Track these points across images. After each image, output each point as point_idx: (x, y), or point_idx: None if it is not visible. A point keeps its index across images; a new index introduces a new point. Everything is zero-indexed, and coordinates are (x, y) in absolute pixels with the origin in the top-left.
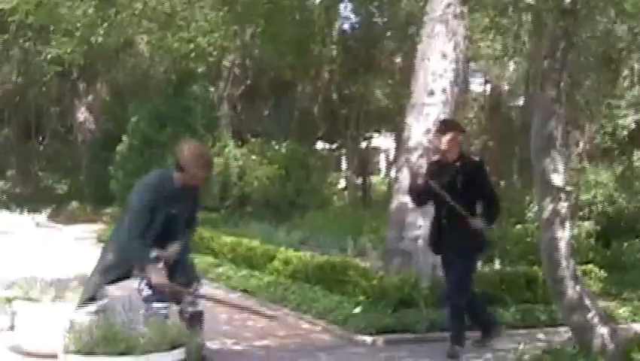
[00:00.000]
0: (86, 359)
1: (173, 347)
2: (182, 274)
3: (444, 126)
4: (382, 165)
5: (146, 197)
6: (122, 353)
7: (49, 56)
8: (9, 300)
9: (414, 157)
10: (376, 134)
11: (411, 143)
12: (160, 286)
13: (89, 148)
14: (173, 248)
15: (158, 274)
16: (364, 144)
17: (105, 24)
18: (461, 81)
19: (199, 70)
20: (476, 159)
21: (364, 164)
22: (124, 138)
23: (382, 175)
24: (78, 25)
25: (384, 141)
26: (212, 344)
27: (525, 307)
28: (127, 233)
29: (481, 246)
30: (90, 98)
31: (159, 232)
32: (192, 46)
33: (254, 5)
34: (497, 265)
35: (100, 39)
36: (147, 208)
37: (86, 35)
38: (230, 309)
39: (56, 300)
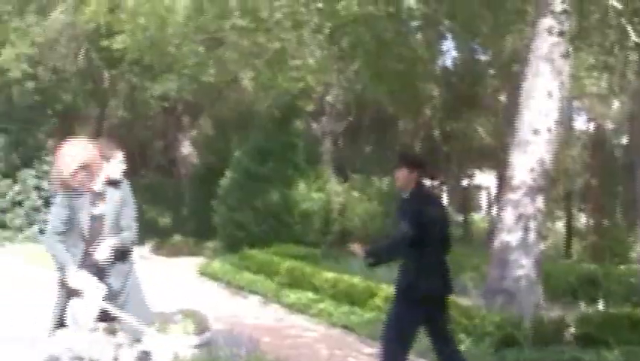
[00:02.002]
0: None
1: None
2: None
3: (398, 161)
4: (484, 202)
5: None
6: None
7: (156, 93)
8: (112, 331)
9: (518, 195)
10: (477, 172)
11: (514, 181)
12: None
13: (192, 182)
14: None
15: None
16: (465, 181)
17: (213, 62)
18: (565, 119)
19: (306, 107)
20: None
21: (465, 201)
22: (227, 172)
23: (482, 213)
24: (189, 63)
25: (485, 179)
26: None
27: (629, 349)
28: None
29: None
30: (194, 132)
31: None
32: (301, 85)
33: (360, 42)
34: (600, 306)
35: (211, 78)
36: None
37: (196, 74)
38: (332, 345)
39: (160, 332)
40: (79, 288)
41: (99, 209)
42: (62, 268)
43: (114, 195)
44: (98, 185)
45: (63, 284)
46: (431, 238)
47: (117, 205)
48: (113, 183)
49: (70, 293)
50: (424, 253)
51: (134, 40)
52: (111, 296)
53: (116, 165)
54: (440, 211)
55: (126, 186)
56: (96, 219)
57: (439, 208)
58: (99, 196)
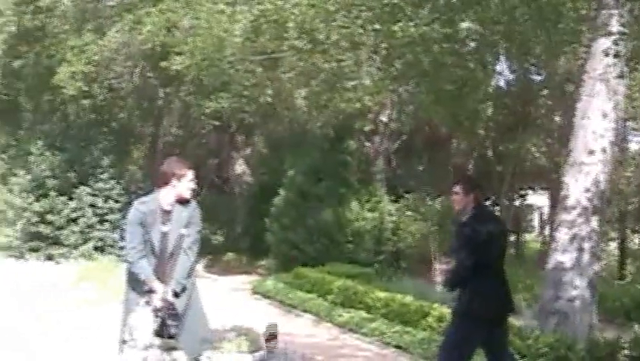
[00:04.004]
0: None
1: None
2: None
3: (454, 184)
4: (536, 222)
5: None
6: None
7: (207, 110)
8: (169, 348)
9: (572, 216)
10: (530, 192)
11: (569, 202)
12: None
13: (245, 200)
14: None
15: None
16: (518, 201)
17: (270, 82)
18: (620, 140)
19: (363, 127)
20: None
21: (518, 221)
22: (280, 190)
23: (535, 233)
24: (246, 84)
25: (538, 199)
26: None
27: None
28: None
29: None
30: (248, 150)
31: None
32: (358, 105)
33: (416, 63)
34: None
35: (268, 98)
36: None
37: (253, 94)
38: None
39: (214, 349)
40: (163, 303)
41: (167, 227)
42: (140, 285)
43: (181, 213)
44: (169, 203)
45: (136, 302)
46: (488, 258)
47: (182, 224)
48: (182, 201)
49: (156, 311)
50: (481, 273)
51: (193, 61)
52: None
53: (186, 183)
54: (499, 230)
55: (194, 206)
56: (165, 236)
57: (498, 227)
58: (168, 214)
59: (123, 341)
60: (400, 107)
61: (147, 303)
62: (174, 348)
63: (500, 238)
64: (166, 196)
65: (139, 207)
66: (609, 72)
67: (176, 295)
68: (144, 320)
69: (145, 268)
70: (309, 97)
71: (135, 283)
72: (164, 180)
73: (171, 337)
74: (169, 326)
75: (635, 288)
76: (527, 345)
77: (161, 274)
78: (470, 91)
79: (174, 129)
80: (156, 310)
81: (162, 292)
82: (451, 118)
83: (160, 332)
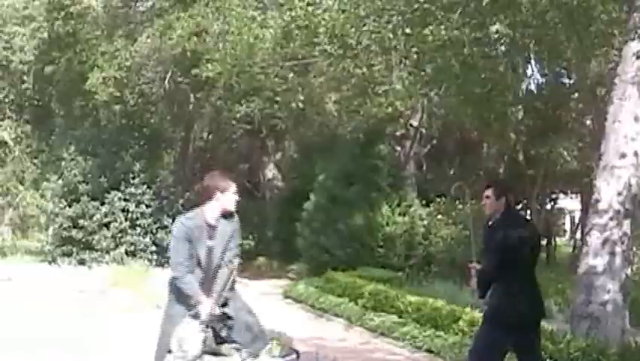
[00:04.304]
0: None
1: None
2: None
3: (486, 187)
4: (567, 226)
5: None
6: None
7: (238, 115)
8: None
9: (604, 220)
10: (561, 196)
11: (601, 205)
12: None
13: (276, 205)
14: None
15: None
16: (549, 205)
17: (300, 88)
18: None
19: (395, 132)
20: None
21: (549, 225)
22: (311, 195)
23: (566, 237)
24: (277, 89)
25: (570, 203)
26: None
27: None
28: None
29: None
30: (278, 155)
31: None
32: (389, 110)
33: (447, 67)
34: None
35: (300, 104)
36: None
37: (285, 100)
38: None
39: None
40: (208, 319)
41: (213, 241)
42: (187, 298)
43: (226, 227)
44: (214, 218)
45: (182, 314)
46: (518, 262)
47: (226, 238)
48: (226, 215)
49: (203, 323)
50: (511, 276)
51: (224, 67)
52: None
53: (231, 196)
54: (529, 233)
55: (236, 220)
56: (211, 251)
57: (528, 230)
58: (213, 229)
59: (169, 351)
60: (431, 111)
61: (195, 316)
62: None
63: (531, 242)
64: (210, 211)
65: (185, 222)
66: None
67: (221, 306)
68: (193, 333)
69: (193, 283)
70: (339, 102)
71: (182, 297)
72: (208, 195)
73: (222, 342)
74: (220, 329)
75: None
76: (559, 349)
77: (207, 288)
78: (499, 94)
79: (205, 134)
80: (203, 323)
81: (209, 305)
82: (480, 121)
83: (209, 342)
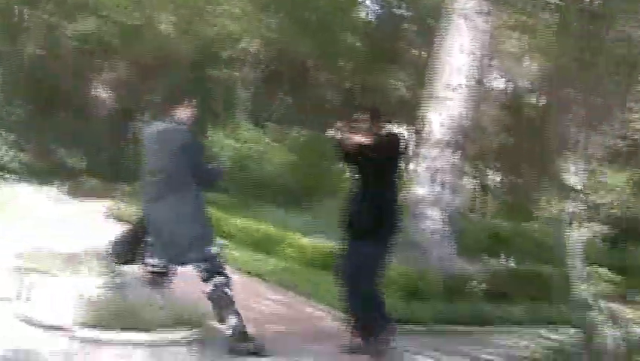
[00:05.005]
0: (100, 333)
1: (187, 327)
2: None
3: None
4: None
5: None
6: (136, 329)
7: (70, 32)
8: (20, 270)
9: (432, 150)
10: (395, 126)
11: (429, 136)
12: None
13: (106, 124)
14: None
15: None
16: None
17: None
18: (482, 77)
19: (223, 53)
20: None
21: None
22: (142, 116)
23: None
24: (108, 4)
25: (403, 132)
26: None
27: (535, 305)
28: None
29: None
30: (110, 74)
31: None
32: (220, 31)
33: None
34: (508, 263)
35: (132, 20)
36: None
37: (113, 16)
38: (242, 292)
39: (70, 273)
40: None
41: None
42: None
43: None
44: None
45: None
46: None
47: None
48: None
49: None
50: None
51: None
52: None
53: None
54: None
55: None
56: None
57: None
58: None
59: None
60: (267, 36)
61: None
62: None
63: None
64: None
65: None
66: (472, 9)
67: None
68: None
69: None
70: (175, 22)
71: None
72: None
73: None
74: None
75: (493, 224)
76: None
77: None
78: (335, 21)
79: (33, 49)
80: None
81: None
82: (315, 48)
83: None
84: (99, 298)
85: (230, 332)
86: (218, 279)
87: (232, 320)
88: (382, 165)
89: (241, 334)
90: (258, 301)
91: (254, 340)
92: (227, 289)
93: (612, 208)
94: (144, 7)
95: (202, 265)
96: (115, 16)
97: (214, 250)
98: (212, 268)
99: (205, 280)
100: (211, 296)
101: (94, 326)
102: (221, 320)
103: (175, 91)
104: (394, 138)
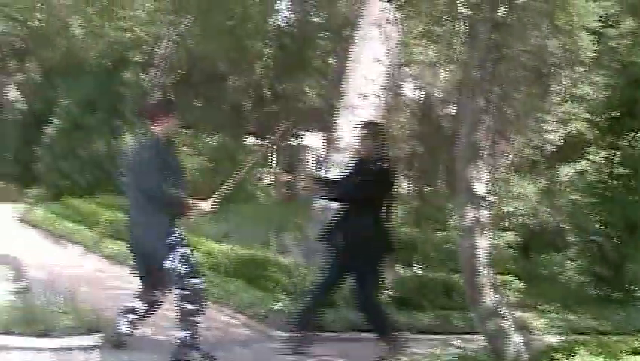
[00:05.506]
0: (3, 338)
1: (90, 332)
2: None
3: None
4: (310, 163)
5: None
6: (39, 335)
7: None
8: None
9: (343, 157)
10: (305, 133)
11: (340, 143)
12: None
13: (17, 127)
14: None
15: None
16: (293, 141)
17: (42, 7)
18: (393, 86)
19: (134, 58)
20: None
21: (292, 161)
22: (53, 119)
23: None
24: (17, 7)
25: (313, 140)
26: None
27: (442, 313)
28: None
29: None
30: (21, 77)
31: None
32: (129, 35)
33: None
34: (416, 270)
35: (38, 23)
36: None
37: (24, 17)
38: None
39: None
40: None
41: None
42: None
43: None
44: None
45: None
46: None
47: None
48: None
49: None
50: None
51: None
52: None
53: None
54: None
55: None
56: None
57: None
58: None
59: None
60: (178, 40)
61: None
62: None
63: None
64: None
65: None
66: (384, 18)
67: None
68: None
69: None
70: (85, 25)
71: None
72: None
73: None
74: None
75: (401, 231)
76: (292, 283)
77: None
78: (245, 27)
79: None
80: None
81: None
82: (225, 53)
83: None
84: (4, 304)
85: (181, 338)
86: (194, 280)
87: (191, 328)
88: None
89: (191, 343)
90: (169, 307)
91: (199, 350)
92: (201, 294)
93: (519, 216)
94: (55, 10)
95: (178, 267)
96: (20, 15)
97: (187, 250)
98: (188, 270)
99: (180, 279)
100: (184, 297)
101: (1, 332)
102: (183, 324)
103: (151, 105)
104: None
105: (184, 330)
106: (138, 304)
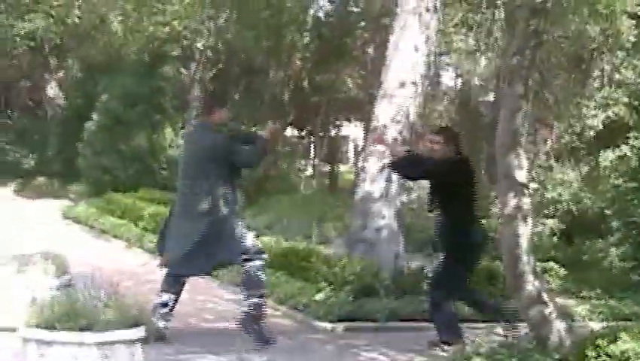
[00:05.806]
0: (47, 333)
1: (133, 325)
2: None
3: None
4: (351, 153)
5: None
6: (83, 329)
7: (22, 31)
8: None
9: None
10: (345, 123)
11: (379, 132)
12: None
13: (58, 124)
14: None
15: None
16: (333, 132)
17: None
18: (431, 74)
19: (172, 52)
20: None
21: (333, 152)
22: (94, 115)
23: (350, 164)
24: (55, 3)
25: (353, 130)
26: (174, 324)
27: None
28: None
29: None
30: (61, 73)
31: None
32: (167, 29)
33: None
34: None
35: (76, 19)
36: None
37: (61, 14)
38: (191, 290)
39: (19, 273)
40: None
41: None
42: None
43: None
44: None
45: None
46: None
47: None
48: None
49: None
50: None
51: None
52: None
53: None
54: None
55: None
56: None
57: None
58: None
59: None
60: (217, 34)
61: None
62: None
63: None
64: None
65: None
66: (421, 5)
67: None
68: None
69: None
70: (123, 21)
71: None
72: None
73: None
74: None
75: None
76: (333, 273)
77: None
78: (284, 19)
79: None
80: None
81: None
82: (264, 46)
83: None
84: (50, 299)
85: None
86: (264, 255)
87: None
88: (451, 185)
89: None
90: (212, 300)
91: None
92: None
93: (561, 203)
94: (93, 7)
95: (255, 244)
96: (63, 15)
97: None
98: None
99: (257, 253)
100: (259, 267)
101: (41, 327)
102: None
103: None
104: (465, 161)
105: (255, 298)
106: (167, 297)
